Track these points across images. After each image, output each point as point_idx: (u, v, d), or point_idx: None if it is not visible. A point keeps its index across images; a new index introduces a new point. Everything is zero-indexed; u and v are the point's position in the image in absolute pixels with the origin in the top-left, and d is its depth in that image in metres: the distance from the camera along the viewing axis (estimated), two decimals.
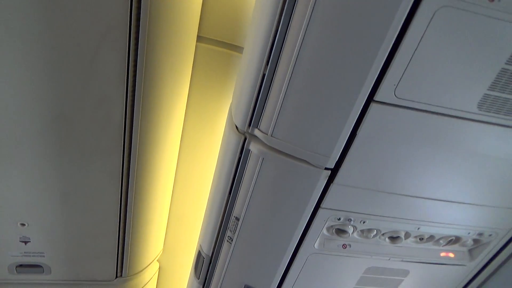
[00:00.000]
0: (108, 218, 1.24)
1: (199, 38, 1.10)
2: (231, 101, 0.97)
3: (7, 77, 0.89)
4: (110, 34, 0.86)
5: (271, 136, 0.78)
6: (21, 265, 1.29)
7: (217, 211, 1.01)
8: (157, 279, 1.82)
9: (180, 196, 1.54)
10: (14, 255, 1.26)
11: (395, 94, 0.69)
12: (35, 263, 1.30)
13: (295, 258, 0.99)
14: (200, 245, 1.15)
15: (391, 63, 0.65)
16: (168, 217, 1.61)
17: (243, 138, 0.85)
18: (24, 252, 1.25)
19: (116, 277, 1.44)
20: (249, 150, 0.84)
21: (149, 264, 1.59)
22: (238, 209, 0.93)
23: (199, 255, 1.16)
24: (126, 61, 0.91)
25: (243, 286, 1.08)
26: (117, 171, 1.12)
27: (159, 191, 1.37)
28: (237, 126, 0.86)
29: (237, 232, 0.97)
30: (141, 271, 1.53)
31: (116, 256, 1.35)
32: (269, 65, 0.72)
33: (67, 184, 1.12)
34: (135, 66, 0.93)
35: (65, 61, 0.89)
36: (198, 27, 1.09)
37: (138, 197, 1.22)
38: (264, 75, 0.74)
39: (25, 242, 1.22)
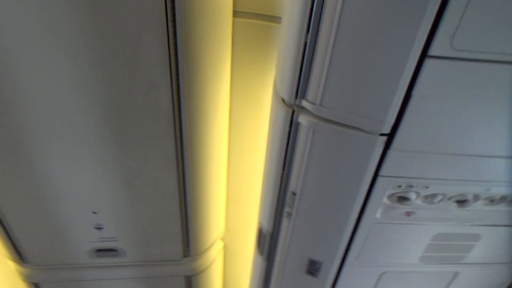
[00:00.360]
0: (169, 202, 1.29)
1: (236, 13, 1.08)
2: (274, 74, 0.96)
3: (62, 77, 0.94)
4: (149, 21, 0.87)
5: (320, 105, 0.76)
6: (98, 250, 1.40)
7: (273, 188, 1.01)
8: (223, 257, 1.89)
9: (235, 174, 1.56)
10: (92, 241, 1.37)
11: (452, 45, 0.63)
12: (110, 247, 1.40)
13: (358, 229, 0.97)
14: (261, 222, 1.17)
15: (444, 12, 0.60)
16: (227, 196, 1.65)
17: (291, 111, 0.83)
18: (99, 238, 1.35)
19: (184, 256, 1.51)
20: (299, 122, 0.82)
21: (213, 243, 1.65)
22: (293, 184, 0.93)
23: (260, 232, 1.17)
24: (167, 46, 0.93)
25: (307, 260, 1.08)
26: (172, 156, 1.15)
27: (215, 171, 1.39)
28: (284, 99, 0.84)
29: (295, 207, 0.96)
30: (206, 250, 1.59)
31: (181, 237, 1.41)
32: (310, 30, 0.69)
33: (128, 172, 1.18)
34: (175, 50, 0.94)
35: (111, 55, 0.92)
36: (233, 2, 1.07)
37: (194, 180, 1.26)
38: (305, 42, 0.71)
39: (99, 229, 1.32)
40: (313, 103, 0.76)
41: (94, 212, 1.26)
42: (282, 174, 0.95)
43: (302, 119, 0.81)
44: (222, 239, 1.77)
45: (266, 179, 1.06)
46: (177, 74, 0.97)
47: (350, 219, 0.93)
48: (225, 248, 1.84)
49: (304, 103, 0.78)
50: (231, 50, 1.16)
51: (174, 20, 0.88)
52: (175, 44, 0.92)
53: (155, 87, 0.99)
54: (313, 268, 1.09)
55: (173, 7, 0.86)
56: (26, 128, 1.04)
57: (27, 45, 0.88)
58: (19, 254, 1.38)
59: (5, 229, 1.27)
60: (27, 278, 1.48)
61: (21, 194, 1.20)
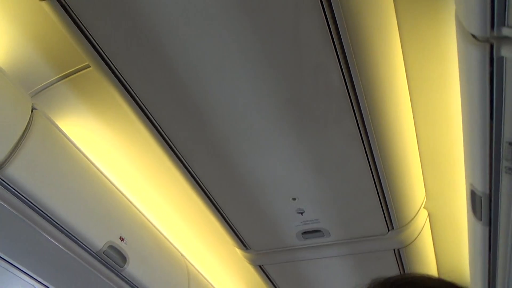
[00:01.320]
0: (362, 177, 1.26)
1: None
2: (454, 11, 0.80)
3: (244, 83, 1.03)
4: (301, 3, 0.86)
5: None
6: (304, 232, 1.48)
7: (481, 142, 0.85)
8: (430, 226, 1.75)
9: (426, 137, 1.41)
10: (297, 225, 1.46)
11: None
12: (314, 229, 1.47)
13: None
14: (471, 184, 1.01)
15: None
16: (421, 161, 1.51)
17: (488, 46, 0.68)
18: (303, 221, 1.43)
19: (389, 230, 1.45)
20: (502, 57, 0.67)
21: (417, 213, 1.54)
22: (509, 133, 0.76)
23: (473, 194, 1.02)
24: (326, 24, 0.89)
25: None
26: (354, 132, 1.12)
27: (402, 138, 1.29)
28: (475, 34, 0.69)
29: None
30: (411, 221, 1.50)
31: (382, 210, 1.36)
32: None
33: (315, 155, 1.20)
34: (335, 23, 0.89)
35: (276, 46, 0.95)
36: None
37: (382, 150, 1.19)
38: None
39: (301, 213, 1.39)
40: None
41: (294, 199, 1.34)
42: (491, 123, 0.79)
43: (507, 52, 0.65)
44: (425, 207, 1.64)
45: (469, 134, 0.91)
46: (342, 49, 0.93)
47: None
48: (430, 216, 1.71)
49: (506, 31, 0.63)
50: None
51: None
52: (333, 17, 0.88)
53: (324, 67, 0.97)
54: None
55: None
56: (225, 136, 1.18)
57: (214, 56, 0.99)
58: (242, 243, 1.59)
59: (229, 223, 1.48)
60: (252, 262, 1.70)
61: (234, 193, 1.37)
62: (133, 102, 1.12)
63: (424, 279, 0.45)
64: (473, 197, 1.03)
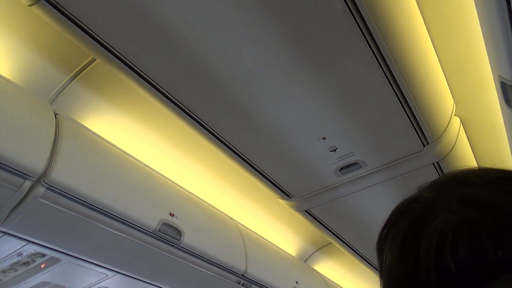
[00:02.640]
0: (386, 100, 1.24)
1: None
2: None
3: (248, 26, 1.01)
4: None
5: None
6: (341, 168, 1.50)
7: (503, 31, 0.82)
8: (465, 132, 1.73)
9: (444, 44, 1.37)
10: (332, 163, 1.47)
11: None
12: (350, 162, 1.48)
13: None
14: (499, 76, 0.99)
15: None
16: (443, 70, 1.47)
17: None
18: (338, 158, 1.44)
19: (424, 145, 1.45)
20: None
21: (449, 122, 1.51)
22: None
23: (503, 85, 1.00)
24: None
25: None
26: (369, 56, 1.09)
27: (418, 50, 1.26)
28: None
29: None
30: (444, 131, 1.48)
31: (414, 128, 1.35)
32: None
33: (335, 89, 1.18)
34: None
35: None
36: None
37: (401, 68, 1.16)
38: None
39: (334, 150, 1.40)
40: None
41: (324, 138, 1.34)
42: (509, 9, 0.76)
43: None
44: (456, 114, 1.61)
45: (489, 26, 0.88)
46: None
47: None
48: (463, 122, 1.68)
49: None
50: None
51: None
52: None
53: None
54: None
55: None
56: (242, 90, 1.18)
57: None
58: (284, 193, 1.63)
59: (266, 177, 1.52)
60: (297, 209, 1.74)
61: (263, 146, 1.39)
62: (145, 82, 1.12)
63: (471, 171, 0.46)
64: (504, 88, 1.01)
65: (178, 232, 1.42)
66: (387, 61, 1.10)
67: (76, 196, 1.12)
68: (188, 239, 1.45)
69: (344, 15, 0.98)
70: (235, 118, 1.27)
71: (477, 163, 1.84)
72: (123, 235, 1.26)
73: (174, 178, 1.64)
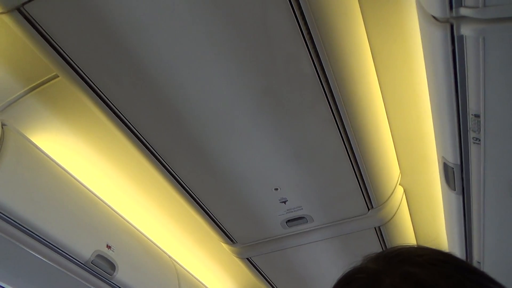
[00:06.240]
0: (340, 161, 1.30)
1: None
2: None
3: (218, 78, 1.04)
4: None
5: (484, 6, 0.64)
6: (288, 220, 1.51)
7: (449, 116, 0.90)
8: (407, 202, 1.82)
9: (396, 116, 1.47)
10: (280, 214, 1.49)
11: None
12: (298, 216, 1.50)
13: None
14: (443, 157, 1.07)
15: None
16: (393, 140, 1.57)
17: (448, 26, 0.72)
18: (287, 210, 1.46)
19: (369, 209, 1.51)
20: (462, 36, 0.71)
21: (393, 190, 1.60)
22: (474, 106, 0.82)
23: (445, 166, 1.08)
24: (294, 16, 0.92)
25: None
26: (329, 118, 1.15)
27: (374, 119, 1.34)
28: (435, 16, 0.73)
29: (482, 131, 0.85)
30: (388, 198, 1.56)
31: (361, 191, 1.41)
32: None
33: (293, 144, 1.23)
34: (302, 15, 0.92)
35: (247, 39, 0.96)
36: None
37: (357, 133, 1.23)
38: None
39: (284, 202, 1.42)
40: (475, 7, 0.65)
41: (276, 189, 1.36)
42: (457, 98, 0.84)
43: (466, 30, 0.69)
44: (401, 184, 1.71)
45: (437, 110, 0.96)
46: (311, 38, 0.95)
47: None
48: (405, 192, 1.78)
49: (464, 11, 0.67)
50: None
51: None
52: (300, 8, 0.90)
53: (295, 58, 0.99)
54: None
55: None
56: (203, 133, 1.19)
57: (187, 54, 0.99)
58: (229, 237, 1.60)
59: (213, 219, 1.49)
60: (239, 255, 1.72)
61: (216, 189, 1.38)
62: (106, 107, 1.10)
63: (413, 248, 0.49)
64: (446, 169, 1.09)
65: (112, 266, 1.34)
66: (345, 125, 1.17)
67: (7, 215, 1.03)
68: (121, 275, 1.37)
69: (311, 77, 1.04)
70: (192, 155, 1.27)
71: (414, 233, 1.93)
72: (51, 263, 1.17)
73: (118, 207, 1.57)
